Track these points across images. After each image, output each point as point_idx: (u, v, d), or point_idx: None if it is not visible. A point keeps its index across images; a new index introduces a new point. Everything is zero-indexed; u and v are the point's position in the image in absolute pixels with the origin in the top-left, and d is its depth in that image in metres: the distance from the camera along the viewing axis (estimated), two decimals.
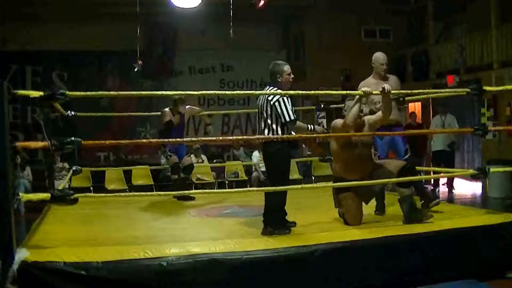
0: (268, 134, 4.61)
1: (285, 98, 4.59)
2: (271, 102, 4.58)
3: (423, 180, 5.63)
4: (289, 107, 4.57)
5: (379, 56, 5.61)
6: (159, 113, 7.34)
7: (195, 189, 9.88)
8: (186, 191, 6.76)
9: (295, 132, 4.76)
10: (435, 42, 12.96)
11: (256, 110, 4.83)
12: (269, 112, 4.60)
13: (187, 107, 7.33)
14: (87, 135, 9.97)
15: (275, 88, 4.67)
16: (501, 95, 10.24)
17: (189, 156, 8.07)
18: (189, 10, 9.71)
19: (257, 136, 4.87)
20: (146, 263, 3.72)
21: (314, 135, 5.17)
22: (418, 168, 5.80)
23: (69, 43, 12.73)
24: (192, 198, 7.05)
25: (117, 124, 13.32)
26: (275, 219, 4.59)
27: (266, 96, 4.63)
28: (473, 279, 4.26)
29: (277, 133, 4.58)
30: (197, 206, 6.65)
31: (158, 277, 3.70)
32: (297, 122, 4.68)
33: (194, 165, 8.00)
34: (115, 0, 11.91)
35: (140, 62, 10.20)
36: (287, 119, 4.55)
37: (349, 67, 13.36)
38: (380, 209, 5.46)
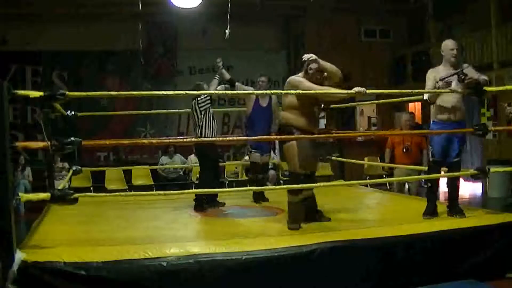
0: None
1: None
2: None
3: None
4: None
5: (447, 43, 5.34)
6: (159, 111, 7.24)
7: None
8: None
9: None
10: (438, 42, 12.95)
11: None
12: None
13: None
14: (87, 135, 10.00)
15: None
16: (501, 95, 10.23)
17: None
18: (190, 10, 9.70)
19: (258, 137, 4.88)
20: (146, 263, 3.72)
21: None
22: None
23: (69, 43, 12.71)
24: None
25: (117, 124, 13.31)
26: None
27: None
28: (473, 279, 4.26)
29: None
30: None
31: (158, 277, 3.71)
32: None
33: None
34: (115, 0, 11.91)
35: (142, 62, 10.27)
36: None
37: (349, 67, 13.32)
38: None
